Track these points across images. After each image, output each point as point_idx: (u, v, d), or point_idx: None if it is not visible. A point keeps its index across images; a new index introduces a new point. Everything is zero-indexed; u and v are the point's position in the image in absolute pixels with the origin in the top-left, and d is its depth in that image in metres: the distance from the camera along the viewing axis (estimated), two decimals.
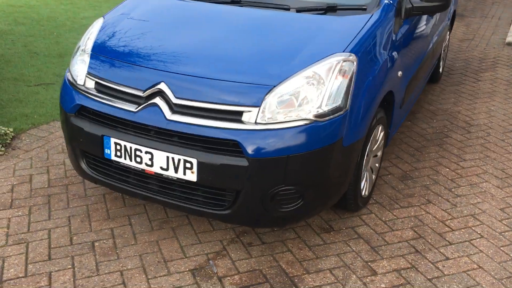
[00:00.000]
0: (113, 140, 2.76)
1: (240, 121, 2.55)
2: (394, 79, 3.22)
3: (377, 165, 3.39)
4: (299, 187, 2.60)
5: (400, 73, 3.31)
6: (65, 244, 2.92)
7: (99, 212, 3.24)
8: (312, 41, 2.83)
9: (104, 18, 3.29)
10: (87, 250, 2.87)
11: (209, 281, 2.67)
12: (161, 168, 2.66)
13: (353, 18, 3.03)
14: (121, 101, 2.76)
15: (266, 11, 3.18)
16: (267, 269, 2.76)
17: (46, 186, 3.52)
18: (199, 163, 2.56)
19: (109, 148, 2.78)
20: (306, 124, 2.53)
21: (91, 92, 2.88)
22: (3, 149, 3.97)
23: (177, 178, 2.65)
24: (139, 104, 2.70)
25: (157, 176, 2.72)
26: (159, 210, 3.26)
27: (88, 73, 2.93)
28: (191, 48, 2.86)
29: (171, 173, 2.65)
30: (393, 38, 3.22)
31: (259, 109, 2.53)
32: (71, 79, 3.02)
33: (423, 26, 3.97)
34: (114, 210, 3.26)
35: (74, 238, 2.98)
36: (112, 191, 3.45)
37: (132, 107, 2.71)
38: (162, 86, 2.67)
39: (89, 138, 2.84)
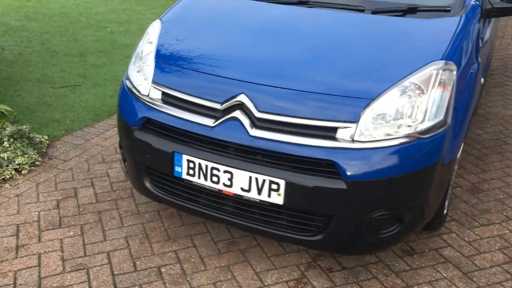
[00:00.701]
0: (185, 157, 2.49)
1: (334, 139, 2.29)
2: (479, 87, 2.98)
3: (454, 178, 3.15)
4: (398, 211, 2.36)
5: (482, 80, 3.07)
6: (129, 270, 2.65)
7: (157, 231, 2.97)
8: (403, 47, 2.57)
9: (161, 20, 3.01)
10: (154, 277, 2.61)
11: None
12: (242, 189, 2.40)
13: (442, 21, 2.78)
14: (194, 114, 2.49)
15: (339, 13, 2.92)
16: None
17: (93, 202, 3.25)
18: (287, 185, 2.30)
19: (181, 166, 2.52)
20: (409, 142, 2.28)
21: (157, 103, 2.60)
22: (40, 159, 3.69)
23: (260, 201, 2.40)
24: (216, 118, 2.43)
25: (236, 198, 2.46)
26: (222, 229, 3.00)
27: (154, 82, 2.65)
28: (270, 56, 2.59)
29: (253, 195, 2.39)
30: (479, 43, 2.97)
31: (357, 125, 2.27)
32: (131, 88, 2.75)
33: (491, 27, 3.73)
34: (173, 230, 2.99)
35: (138, 263, 2.71)
36: (167, 207, 3.18)
37: (208, 122, 2.44)
38: (243, 98, 2.40)
39: (157, 154, 2.57)
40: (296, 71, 2.48)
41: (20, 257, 2.72)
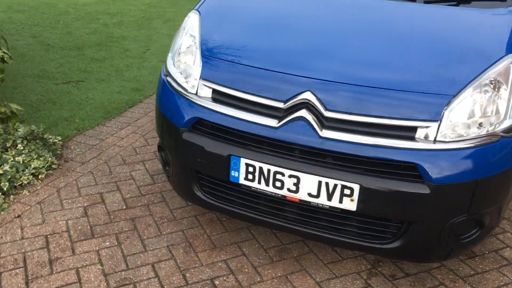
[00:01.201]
0: (244, 161, 2.28)
1: (413, 139, 2.12)
2: None
3: None
4: (480, 215, 2.21)
5: None
6: (180, 284, 2.43)
7: (200, 239, 2.76)
8: (470, 40, 2.41)
9: (199, 12, 2.78)
10: None
11: None
12: (309, 194, 2.21)
13: (503, 11, 2.63)
14: (252, 114, 2.28)
15: (391, 3, 2.74)
16: None
17: (124, 208, 3.01)
18: (362, 190, 2.12)
19: (238, 170, 2.31)
20: (493, 141, 2.12)
21: (209, 102, 2.39)
22: (56, 161, 3.42)
23: (330, 207, 2.21)
24: (279, 118, 2.23)
25: (301, 204, 2.27)
26: (269, 235, 2.81)
27: (203, 79, 2.43)
28: (333, 49, 2.39)
29: (322, 200, 2.21)
30: None
31: (439, 124, 2.10)
32: (175, 85, 2.52)
33: None
34: (216, 237, 2.79)
35: (187, 275, 2.50)
36: (204, 212, 2.97)
37: (271, 122, 2.23)
38: (308, 96, 2.21)
39: (210, 158, 2.36)
40: (364, 66, 2.29)
41: (56, 273, 2.48)
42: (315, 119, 2.19)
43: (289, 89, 2.25)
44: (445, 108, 2.11)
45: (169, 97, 2.53)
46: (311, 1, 2.80)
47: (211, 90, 2.41)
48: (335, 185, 2.16)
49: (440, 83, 2.19)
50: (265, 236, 2.80)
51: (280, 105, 2.24)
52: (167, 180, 2.82)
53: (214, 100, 2.39)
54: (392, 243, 2.23)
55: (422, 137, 2.11)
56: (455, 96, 2.14)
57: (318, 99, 2.19)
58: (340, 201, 2.18)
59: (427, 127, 2.11)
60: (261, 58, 2.39)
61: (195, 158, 2.41)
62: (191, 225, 2.88)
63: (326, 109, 2.18)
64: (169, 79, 2.59)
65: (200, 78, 2.44)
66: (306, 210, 2.31)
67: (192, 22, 2.71)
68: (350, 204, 2.17)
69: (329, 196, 2.19)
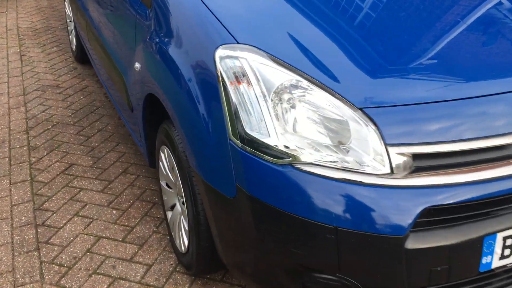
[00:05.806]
0: (500, 236, 1.57)
1: None
2: None
3: None
4: None
5: None
6: None
7: None
8: None
9: (259, 48, 1.63)
10: None
11: None
12: None
13: None
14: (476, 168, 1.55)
15: None
16: None
17: None
18: None
19: (491, 252, 1.58)
20: None
21: (420, 178, 1.50)
22: None
23: None
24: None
25: None
26: None
27: (391, 145, 1.50)
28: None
29: None
30: None
31: None
32: (336, 175, 1.48)
33: None
34: None
35: None
36: None
37: None
38: None
39: (453, 256, 1.53)
40: None
41: None
42: None
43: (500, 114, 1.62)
44: None
45: (340, 197, 1.48)
46: None
47: (410, 158, 1.50)
48: None
49: None
50: None
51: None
52: None
53: (419, 170, 1.52)
54: None
55: None
56: None
57: None
58: None
59: None
60: (453, 83, 1.63)
61: (432, 268, 1.52)
62: None
63: None
64: (308, 168, 1.49)
65: (386, 145, 1.49)
66: None
67: (275, 72, 1.60)
68: None
69: None
